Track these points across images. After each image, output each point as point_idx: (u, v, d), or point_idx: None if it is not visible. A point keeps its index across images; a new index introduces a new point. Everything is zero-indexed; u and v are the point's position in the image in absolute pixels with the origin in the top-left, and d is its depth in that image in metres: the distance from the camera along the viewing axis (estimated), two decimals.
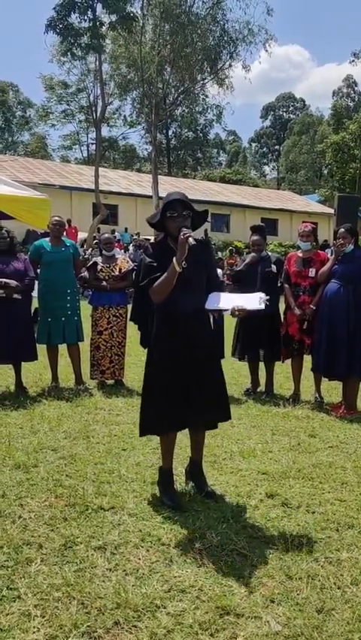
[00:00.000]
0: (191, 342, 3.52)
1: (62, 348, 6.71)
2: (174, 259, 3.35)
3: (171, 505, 3.51)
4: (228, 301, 3.56)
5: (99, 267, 6.74)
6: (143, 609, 2.52)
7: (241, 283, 6.30)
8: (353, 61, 38.43)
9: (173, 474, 3.77)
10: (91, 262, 6.97)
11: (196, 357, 3.54)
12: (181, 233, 3.34)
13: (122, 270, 6.74)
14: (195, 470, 3.86)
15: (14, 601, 2.56)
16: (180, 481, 3.88)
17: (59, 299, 6.37)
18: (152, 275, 3.47)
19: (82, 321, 6.65)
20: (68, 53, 23.34)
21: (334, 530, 3.29)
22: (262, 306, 3.48)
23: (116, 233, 23.50)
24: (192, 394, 3.53)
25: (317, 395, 6.20)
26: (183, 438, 4.02)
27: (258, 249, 6.47)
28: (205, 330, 3.66)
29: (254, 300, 3.54)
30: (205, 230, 30.73)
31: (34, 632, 2.37)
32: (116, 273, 6.71)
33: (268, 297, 3.56)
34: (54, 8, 20.88)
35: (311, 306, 5.98)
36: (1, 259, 6.09)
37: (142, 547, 3.05)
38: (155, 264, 3.48)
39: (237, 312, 3.46)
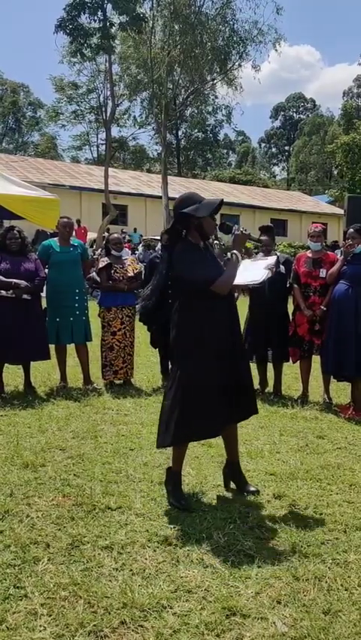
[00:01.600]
0: (230, 339, 3.57)
1: (71, 348, 6.72)
2: (237, 253, 3.54)
3: (179, 506, 3.51)
4: (247, 274, 3.68)
5: (114, 269, 6.72)
6: (149, 609, 2.52)
7: None
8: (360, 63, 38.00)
9: (182, 475, 3.77)
10: (105, 263, 6.86)
11: (236, 352, 3.60)
12: (242, 229, 3.60)
13: (135, 271, 6.76)
14: (235, 471, 3.85)
15: (21, 600, 2.57)
16: (187, 482, 3.88)
17: (68, 299, 6.38)
18: (201, 269, 3.46)
19: (90, 322, 6.66)
20: (78, 54, 23.38)
21: (341, 532, 3.27)
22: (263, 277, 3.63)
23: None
24: (234, 392, 3.55)
25: (326, 396, 6.18)
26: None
27: (266, 249, 6.45)
28: (238, 323, 3.75)
29: (260, 270, 3.69)
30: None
31: (40, 631, 2.37)
32: (131, 274, 6.71)
33: (273, 264, 3.74)
34: (64, 8, 20.93)
35: (322, 307, 5.96)
36: (13, 259, 6.11)
37: (149, 547, 3.06)
38: (197, 259, 3.50)
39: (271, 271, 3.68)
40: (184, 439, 3.61)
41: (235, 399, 3.57)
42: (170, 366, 6.66)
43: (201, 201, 3.52)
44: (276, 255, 3.58)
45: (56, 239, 6.63)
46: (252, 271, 3.70)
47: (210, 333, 3.49)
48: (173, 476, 3.69)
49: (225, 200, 3.94)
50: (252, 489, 3.76)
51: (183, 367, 3.55)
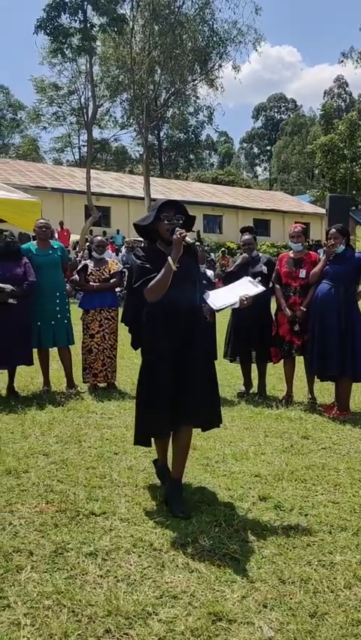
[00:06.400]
0: (184, 340, 3.47)
1: (54, 352, 6.66)
2: (169, 258, 3.37)
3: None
4: (228, 295, 3.74)
5: (90, 271, 6.71)
6: (134, 616, 2.48)
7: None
8: (342, 61, 38.34)
9: (168, 467, 3.80)
10: (82, 265, 6.93)
11: (189, 356, 3.48)
12: (177, 233, 3.37)
13: (112, 272, 6.73)
14: (173, 492, 3.57)
15: (4, 610, 2.53)
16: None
17: (49, 302, 6.32)
18: (145, 276, 3.45)
19: (72, 325, 6.60)
20: (59, 54, 23.25)
21: (327, 533, 3.26)
22: (261, 287, 3.85)
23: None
24: (182, 394, 3.44)
25: (310, 396, 6.18)
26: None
27: (249, 249, 6.46)
28: (198, 327, 3.57)
29: (249, 286, 3.85)
30: (198, 232, 30.72)
31: None
32: (107, 276, 6.69)
33: (257, 279, 3.95)
34: (44, 9, 20.80)
35: (302, 308, 5.96)
36: (2, 264, 6.06)
37: (134, 552, 3.02)
38: (147, 266, 3.47)
39: (245, 302, 3.63)
40: (136, 441, 3.77)
41: (184, 405, 3.46)
42: None
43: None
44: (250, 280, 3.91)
45: (34, 242, 6.56)
46: (243, 289, 3.79)
47: (156, 335, 3.54)
48: (161, 468, 3.87)
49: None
50: (181, 515, 3.40)
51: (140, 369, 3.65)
